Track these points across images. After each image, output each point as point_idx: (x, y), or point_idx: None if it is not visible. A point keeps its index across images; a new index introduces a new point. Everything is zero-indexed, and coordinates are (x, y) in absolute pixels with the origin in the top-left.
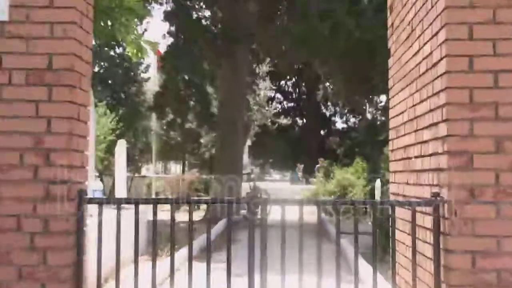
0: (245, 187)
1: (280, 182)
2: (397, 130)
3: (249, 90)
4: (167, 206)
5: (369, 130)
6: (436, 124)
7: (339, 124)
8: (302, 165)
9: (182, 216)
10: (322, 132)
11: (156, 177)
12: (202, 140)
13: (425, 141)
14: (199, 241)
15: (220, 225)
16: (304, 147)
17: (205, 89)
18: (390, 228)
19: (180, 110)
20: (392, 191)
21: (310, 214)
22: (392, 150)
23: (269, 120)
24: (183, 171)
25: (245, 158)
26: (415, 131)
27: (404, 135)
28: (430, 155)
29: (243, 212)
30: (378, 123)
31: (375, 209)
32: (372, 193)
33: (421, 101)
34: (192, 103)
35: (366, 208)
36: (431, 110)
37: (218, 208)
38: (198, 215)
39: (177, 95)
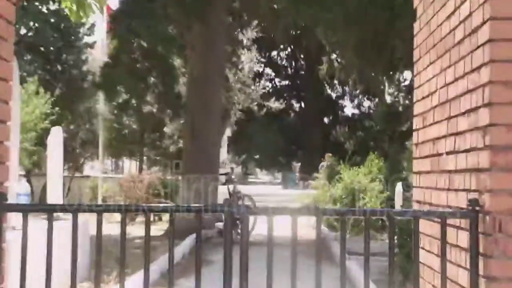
0: (223, 192)
1: (269, 186)
2: (424, 118)
3: (228, 63)
4: (118, 216)
5: (388, 117)
6: (475, 109)
7: (349, 110)
8: (299, 164)
9: (138, 229)
10: (326, 120)
11: (104, 177)
12: (165, 129)
13: (461, 132)
14: (160, 263)
15: (189, 241)
16: (302, 140)
17: (170, 61)
18: (413, 248)
19: (136, 89)
20: (416, 198)
21: (309, 228)
22: (416, 144)
23: (256, 103)
24: (141, 170)
25: (223, 153)
26: (448, 118)
27: (433, 124)
28: (467, 150)
29: (219, 224)
30: (400, 108)
31: (392, 221)
32: (391, 201)
33: (456, 79)
34: (152, 79)
35: (381, 220)
36: (469, 91)
37: (185, 219)
38: (160, 228)
39: (133, 68)
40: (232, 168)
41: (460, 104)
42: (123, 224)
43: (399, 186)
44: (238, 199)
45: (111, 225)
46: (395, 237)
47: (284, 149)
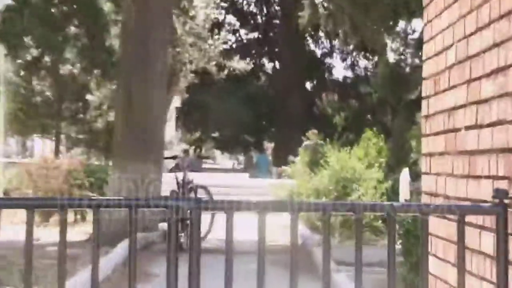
0: (169, 181)
1: (232, 174)
2: (436, 81)
3: (176, 8)
4: (24, 214)
5: (391, 82)
6: (504, 69)
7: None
8: (272, 144)
9: (52, 232)
10: (308, 86)
11: (7, 162)
12: (90, 98)
13: (485, 100)
14: (82, 279)
15: (121, 248)
16: (277, 112)
17: (97, 5)
18: (421, 255)
19: (50, 41)
20: (425, 189)
21: (286, 229)
22: (426, 117)
23: (214, 62)
24: (57, 152)
25: (170, 130)
26: (468, 82)
27: (448, 89)
28: (493, 124)
29: (165, 225)
30: (407, 69)
31: (393, 220)
32: (395, 195)
33: (480, 29)
34: (73, 28)
35: (383, 219)
36: (496, 45)
37: (118, 219)
38: (84, 231)
39: (46, 14)
40: (186, 151)
41: (483, 62)
42: (30, 225)
43: (405, 173)
44: (190, 191)
45: (15, 227)
46: (399, 242)
47: (252, 125)
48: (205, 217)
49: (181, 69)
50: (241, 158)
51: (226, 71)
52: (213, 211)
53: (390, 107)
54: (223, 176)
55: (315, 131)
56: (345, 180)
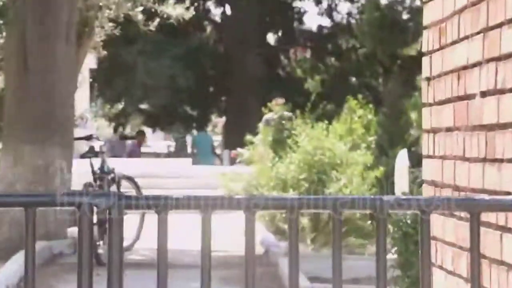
0: (83, 171)
1: (169, 160)
2: (442, 30)
3: None
4: None
5: (381, 32)
6: None
7: (312, 19)
8: (223, 119)
9: None
10: (271, 39)
11: None
12: None
13: (508, 55)
14: None
15: (16, 263)
16: (229, 75)
17: None
18: (420, 265)
19: None
20: (427, 177)
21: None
22: (429, 79)
23: (141, 8)
24: None
25: (83, 100)
26: (484, 30)
27: (458, 41)
28: None
29: (74, 231)
30: (404, 15)
31: (383, 219)
32: (388, 183)
33: None
34: None
35: (371, 218)
36: None
37: (9, 222)
38: None
39: None
40: (98, 139)
41: (505, 3)
42: None
43: (402, 157)
44: (110, 183)
45: None
46: (395, 250)
47: (194, 93)
48: (132, 218)
49: (96, 17)
50: (182, 138)
51: (157, 20)
52: (141, 210)
53: (381, 66)
54: (157, 162)
55: (281, 100)
56: (320, 166)
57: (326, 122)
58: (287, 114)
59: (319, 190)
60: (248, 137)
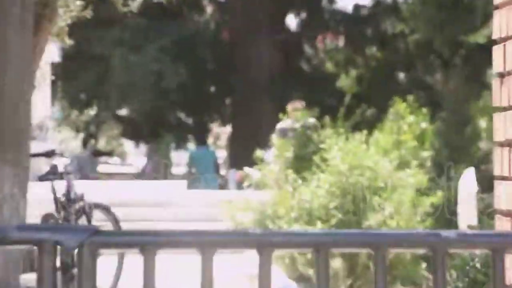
0: (41, 198)
1: (156, 182)
2: None
3: None
4: None
5: (439, 13)
6: None
7: None
8: (228, 128)
9: None
10: (291, 22)
11: None
12: None
13: None
14: None
15: None
16: (233, 70)
17: None
18: None
19: None
20: (501, 205)
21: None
22: (502, 76)
23: None
24: None
25: (42, 104)
26: None
27: None
28: None
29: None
30: None
31: (440, 260)
32: (450, 213)
33: None
34: None
35: (426, 259)
36: None
37: None
38: None
39: None
40: (65, 158)
41: None
42: None
43: (468, 178)
44: (79, 214)
45: None
46: None
47: (190, 94)
48: (108, 261)
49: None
50: (173, 153)
51: (139, 0)
52: (121, 249)
53: (439, 58)
54: (141, 187)
55: (300, 104)
56: (358, 191)
57: (366, 132)
58: (312, 121)
59: (355, 222)
60: (260, 152)
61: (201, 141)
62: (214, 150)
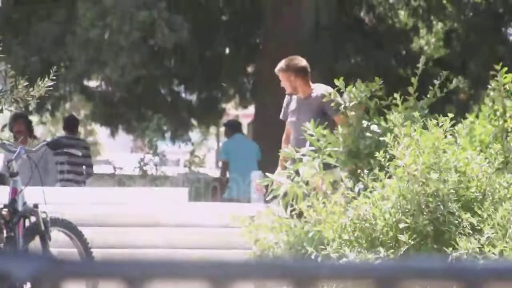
0: None
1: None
2: None
3: None
4: None
5: None
6: None
7: None
8: (251, 109)
9: None
10: None
11: None
12: None
13: None
14: None
15: None
16: (259, 22)
17: None
18: None
19: None
20: None
21: None
22: None
23: None
24: None
25: None
26: None
27: None
28: None
29: None
30: None
31: None
32: None
33: None
34: None
35: None
36: None
37: None
38: None
39: None
40: (10, 150)
41: None
42: None
43: None
44: (31, 234)
45: None
46: None
47: (193, 57)
48: None
49: None
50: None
51: None
52: (92, 283)
53: None
54: (123, 194)
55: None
56: (440, 203)
57: (450, 120)
58: (366, 102)
59: (437, 250)
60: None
61: (236, 128)
62: (254, 142)
